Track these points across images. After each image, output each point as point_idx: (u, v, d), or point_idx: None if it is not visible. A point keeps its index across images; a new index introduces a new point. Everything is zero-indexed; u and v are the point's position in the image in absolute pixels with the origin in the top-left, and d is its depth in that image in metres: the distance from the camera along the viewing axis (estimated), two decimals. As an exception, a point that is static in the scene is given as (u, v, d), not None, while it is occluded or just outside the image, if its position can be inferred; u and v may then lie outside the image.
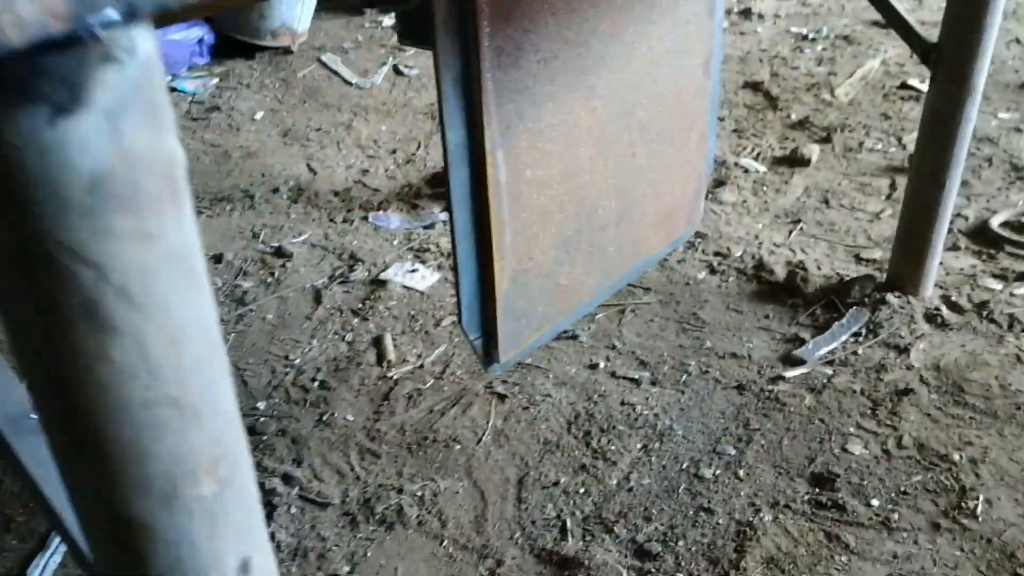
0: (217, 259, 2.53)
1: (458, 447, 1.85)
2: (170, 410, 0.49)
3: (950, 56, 1.86)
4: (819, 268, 2.37)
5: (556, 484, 1.75)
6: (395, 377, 2.06)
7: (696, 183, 1.63)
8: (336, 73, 3.69)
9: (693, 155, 1.58)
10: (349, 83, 3.62)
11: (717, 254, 2.47)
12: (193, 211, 0.47)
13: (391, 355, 2.12)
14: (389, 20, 4.20)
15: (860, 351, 2.05)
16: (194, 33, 3.67)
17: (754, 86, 3.49)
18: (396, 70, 3.73)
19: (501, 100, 1.15)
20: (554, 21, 1.18)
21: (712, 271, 2.41)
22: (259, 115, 3.40)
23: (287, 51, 3.84)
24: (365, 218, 2.73)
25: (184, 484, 0.52)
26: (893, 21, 1.92)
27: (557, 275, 1.36)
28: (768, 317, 2.21)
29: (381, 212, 2.75)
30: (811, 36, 3.93)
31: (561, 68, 1.22)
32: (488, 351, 1.33)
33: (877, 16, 4.11)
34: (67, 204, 0.41)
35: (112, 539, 0.53)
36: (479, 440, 1.86)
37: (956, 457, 1.75)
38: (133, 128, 0.41)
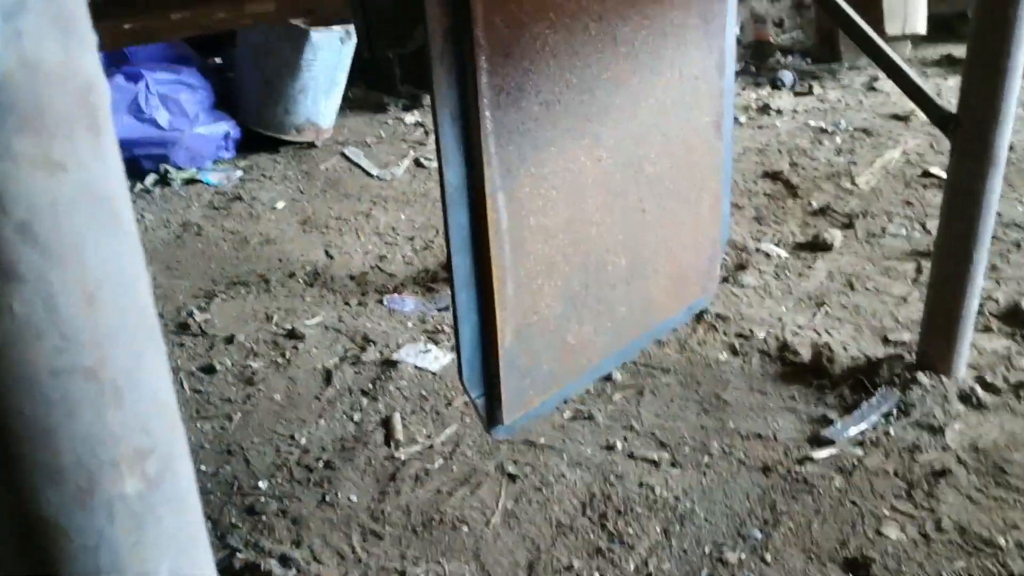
0: (229, 340, 2.49)
1: (466, 529, 1.75)
2: (85, 383, 0.43)
3: (969, 124, 1.83)
4: (845, 349, 2.28)
5: (569, 569, 1.64)
6: (403, 457, 1.97)
7: (711, 247, 1.58)
8: (358, 165, 3.74)
9: (706, 217, 1.53)
10: (370, 175, 3.66)
11: (739, 336, 2.39)
12: (117, 149, 0.42)
13: (400, 435, 2.04)
14: (411, 117, 4.28)
15: (892, 431, 1.94)
16: (220, 128, 3.75)
17: (773, 176, 3.48)
18: (417, 162, 3.77)
19: (501, 140, 1.11)
20: (556, 63, 1.16)
21: (734, 352, 2.32)
22: (280, 204, 3.42)
23: (311, 145, 3.91)
24: (380, 301, 2.69)
25: (103, 479, 0.45)
26: (910, 90, 1.90)
27: (564, 332, 1.30)
28: (794, 398, 2.12)
29: (396, 295, 2.72)
30: (829, 129, 3.94)
31: (564, 113, 1.19)
32: (491, 411, 1.26)
33: (895, 110, 4.13)
34: (-44, 115, 0.37)
35: (18, 541, 0.46)
36: (488, 522, 1.76)
37: (1001, 541, 1.62)
38: (37, 35, 0.37)
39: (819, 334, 2.39)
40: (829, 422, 2.00)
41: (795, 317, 2.48)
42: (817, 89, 4.49)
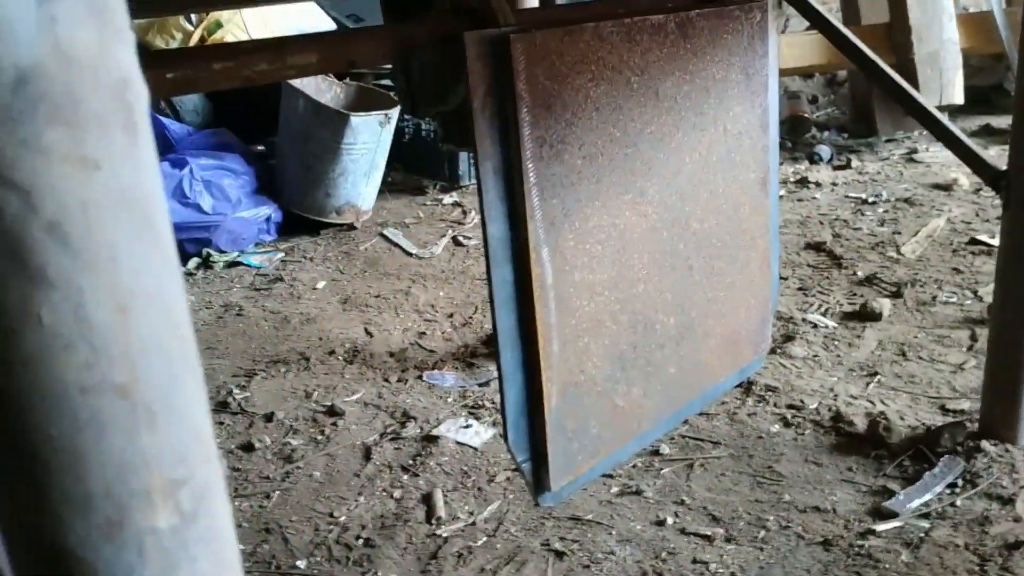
0: (268, 418, 2.46)
1: (511, 609, 1.67)
2: (117, 402, 0.40)
3: (1021, 180, 1.78)
4: (902, 419, 2.19)
5: (622, 651, 1.55)
6: (445, 535, 1.90)
7: (762, 308, 1.53)
8: (397, 245, 3.76)
9: (756, 276, 1.49)
10: (409, 254, 3.67)
11: (790, 407, 2.31)
12: (154, 152, 0.40)
13: (441, 512, 1.98)
14: (449, 198, 4.32)
15: (958, 503, 1.83)
16: (262, 212, 3.81)
17: (816, 247, 3.43)
18: (455, 241, 3.78)
19: (545, 194, 1.09)
20: (598, 117, 1.15)
21: (786, 424, 2.24)
22: (320, 284, 3.44)
23: (351, 227, 3.95)
24: (420, 377, 2.66)
25: (134, 510, 0.42)
26: (959, 150, 1.86)
27: (612, 394, 1.25)
28: (851, 469, 2.02)
29: (436, 371, 2.68)
30: (871, 200, 3.89)
31: (608, 166, 1.17)
32: (538, 477, 1.21)
33: (937, 179, 4.08)
34: (-11, 105, 0.35)
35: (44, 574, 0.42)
36: (535, 601, 1.68)
37: (1089, 619, 1.50)
38: (72, 22, 0.35)
39: (874, 404, 2.30)
40: (891, 494, 1.90)
41: (847, 387, 2.40)
42: (855, 162, 4.47)
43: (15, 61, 0.35)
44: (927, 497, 1.86)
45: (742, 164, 1.41)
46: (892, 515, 1.82)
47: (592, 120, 1.14)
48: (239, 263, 3.69)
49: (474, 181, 4.39)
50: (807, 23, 5.45)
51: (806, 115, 5.00)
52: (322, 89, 4.02)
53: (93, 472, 0.40)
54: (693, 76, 1.29)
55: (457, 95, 1.14)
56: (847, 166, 4.43)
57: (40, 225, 0.37)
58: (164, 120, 4.06)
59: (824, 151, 4.52)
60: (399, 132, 4.25)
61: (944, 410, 2.24)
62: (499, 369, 1.12)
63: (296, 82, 3.84)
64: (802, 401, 2.32)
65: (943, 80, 4.30)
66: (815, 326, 2.79)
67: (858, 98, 4.94)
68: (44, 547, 0.41)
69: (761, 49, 1.40)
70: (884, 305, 2.84)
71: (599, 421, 1.23)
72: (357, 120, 3.73)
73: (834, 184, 4.21)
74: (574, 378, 1.18)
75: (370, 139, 3.82)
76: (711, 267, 1.38)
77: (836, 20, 1.87)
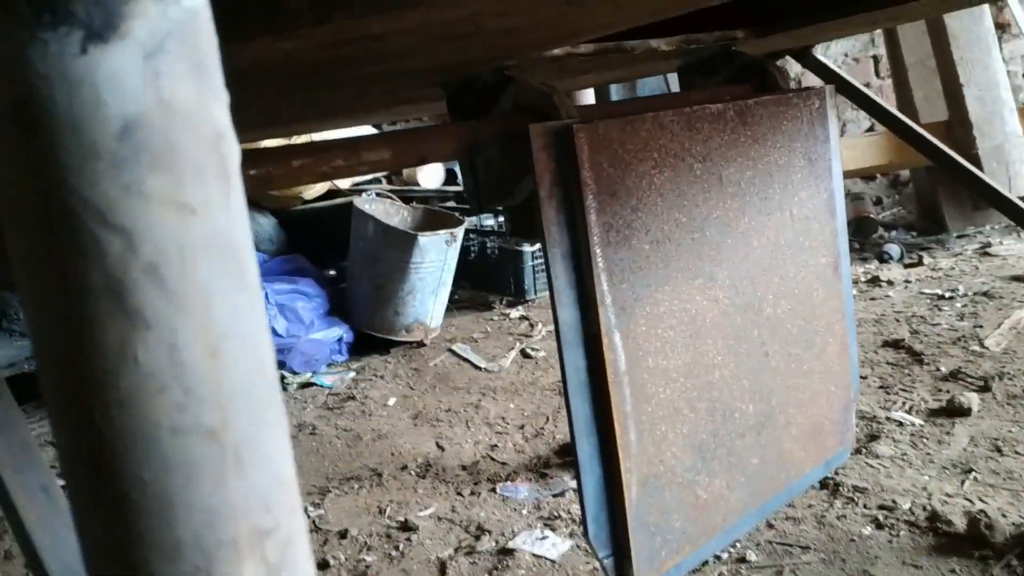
0: (342, 535, 2.44)
1: None
2: (206, 446, 0.40)
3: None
4: (1005, 516, 2.06)
5: None
6: (525, 651, 1.83)
7: (843, 395, 1.49)
8: (466, 360, 3.78)
9: (835, 363, 1.45)
10: (478, 367, 3.68)
11: (881, 507, 2.19)
12: (245, 202, 0.42)
13: (520, 626, 1.90)
14: (516, 312, 4.35)
15: (1080, 604, 1.70)
16: (334, 333, 3.88)
17: (894, 344, 3.33)
18: (524, 353, 3.78)
19: (614, 279, 1.10)
20: (663, 202, 1.16)
21: (879, 526, 2.12)
22: (391, 401, 3.45)
23: (420, 344, 3.99)
24: (493, 490, 2.62)
25: (220, 560, 0.41)
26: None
27: (694, 486, 1.21)
28: (954, 572, 1.89)
29: (509, 483, 2.64)
30: (947, 295, 3.80)
31: (676, 251, 1.17)
32: (621, 574, 1.16)
33: (1015, 271, 3.97)
34: (95, 151, 0.37)
35: (130, 633, 0.42)
36: None
37: None
38: (174, 77, 0.38)
39: (971, 502, 2.17)
40: (1002, 597, 1.77)
41: (941, 485, 2.27)
42: (927, 259, 4.39)
43: (121, 111, 0.37)
44: (1043, 599, 1.73)
45: (811, 248, 1.40)
46: (1006, 619, 1.69)
47: (657, 206, 1.15)
48: (312, 384, 3.74)
49: (540, 295, 4.43)
50: (864, 127, 5.45)
51: (872, 215, 4.97)
52: (390, 213, 4.16)
53: (182, 518, 0.40)
54: (756, 162, 1.30)
55: (522, 189, 1.17)
56: (919, 263, 4.35)
57: (139, 267, 0.38)
58: (240, 249, 4.22)
59: (893, 249, 4.46)
60: (465, 250, 4.34)
61: (1050, 506, 2.11)
62: (575, 460, 1.09)
63: (365, 207, 3.98)
64: (894, 501, 2.21)
65: (1010, 172, 4.25)
66: (900, 424, 2.68)
67: (923, 196, 4.90)
68: (133, 599, 0.40)
69: (822, 134, 1.41)
70: (972, 400, 2.72)
71: (682, 515, 1.19)
72: (424, 239, 3.82)
73: (907, 281, 4.12)
74: (654, 469, 1.15)
75: (437, 257, 3.91)
76: (788, 352, 1.35)
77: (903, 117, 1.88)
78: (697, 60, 1.51)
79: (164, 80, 0.38)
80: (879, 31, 5.24)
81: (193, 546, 0.40)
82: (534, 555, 2.21)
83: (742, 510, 1.28)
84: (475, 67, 1.18)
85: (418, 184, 5.21)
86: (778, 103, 1.33)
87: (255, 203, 4.58)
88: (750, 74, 1.49)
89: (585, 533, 1.11)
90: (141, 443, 0.39)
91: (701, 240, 1.21)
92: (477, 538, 2.33)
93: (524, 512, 2.45)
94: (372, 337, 3.96)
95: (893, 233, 4.94)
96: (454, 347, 3.93)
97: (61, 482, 0.76)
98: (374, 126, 4.22)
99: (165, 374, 0.39)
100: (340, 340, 3.92)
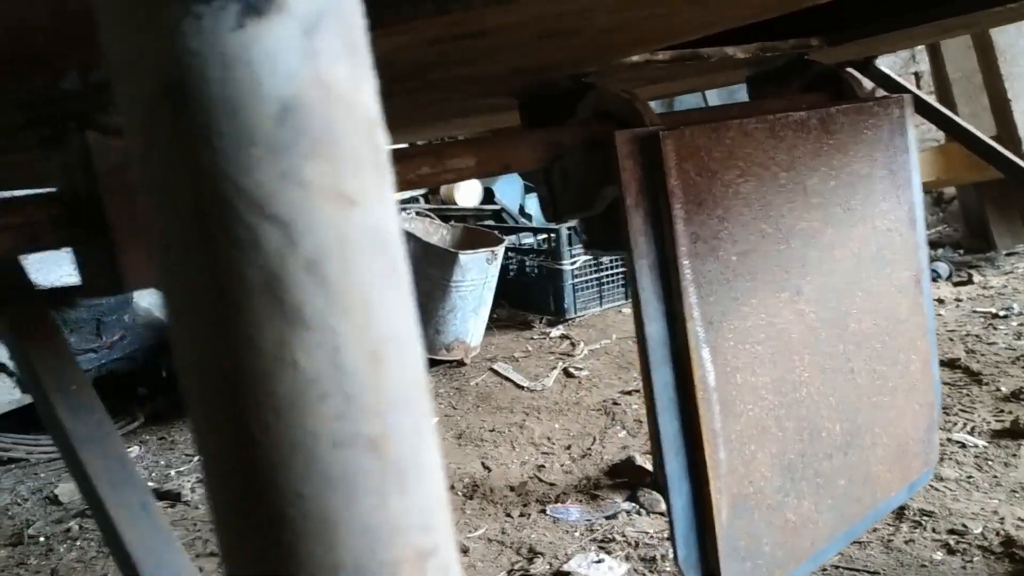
0: (390, 557, 2.39)
1: None
2: (368, 459, 0.36)
3: None
4: (1085, 542, 1.98)
5: None
6: None
7: (927, 415, 1.43)
8: (508, 379, 3.73)
9: (919, 381, 1.40)
10: (521, 387, 3.64)
11: (951, 532, 2.12)
12: (395, 201, 0.38)
13: (580, 653, 1.85)
14: (556, 331, 4.31)
15: None
16: (374, 352, 3.86)
17: (950, 364, 3.25)
18: (566, 372, 3.73)
19: (701, 291, 1.05)
20: (749, 212, 1.11)
21: (950, 551, 2.05)
22: (434, 420, 3.41)
23: (460, 363, 3.96)
24: (543, 511, 2.56)
25: (380, 587, 0.38)
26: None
27: (783, 508, 1.16)
28: (1036, 600, 1.82)
29: (559, 504, 2.58)
30: (1002, 314, 3.70)
31: (762, 263, 1.13)
32: (709, 601, 1.11)
33: (1072, 289, 3.87)
34: (252, 135, 0.33)
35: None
36: None
37: None
38: (331, 56, 0.34)
39: (1047, 527, 2.09)
40: (1089, 627, 1.68)
41: (1013, 509, 2.19)
42: (977, 277, 4.29)
43: (279, 92, 0.34)
44: None
45: (894, 262, 1.34)
46: (1096, 651, 1.60)
47: (743, 215, 1.11)
48: (352, 403, 3.71)
49: (580, 313, 4.38)
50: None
51: (917, 233, 4.87)
52: (430, 231, 4.14)
53: (343, 539, 0.36)
54: (838, 172, 1.25)
55: (602, 199, 1.13)
56: (968, 282, 4.26)
57: (299, 262, 0.34)
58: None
59: (942, 268, 4.37)
60: (504, 269, 4.31)
61: None
62: (664, 480, 1.04)
63: (406, 225, 3.96)
64: (964, 526, 2.13)
65: (1063, 188, 4.15)
66: (963, 445, 2.59)
67: (971, 213, 4.80)
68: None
69: (902, 144, 1.36)
70: (1038, 421, 2.63)
71: (771, 538, 1.13)
72: (465, 258, 3.80)
73: (958, 300, 4.03)
74: (743, 489, 1.10)
75: (478, 276, 3.88)
76: (873, 370, 1.29)
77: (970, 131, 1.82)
78: (769, 69, 1.47)
79: (322, 59, 0.35)
80: (920, 47, 5.18)
81: (354, 570, 0.36)
82: (590, 579, 2.15)
83: (830, 534, 1.23)
84: (554, 73, 1.15)
85: (455, 203, 5.19)
86: (859, 111, 1.29)
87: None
88: (825, 83, 1.45)
89: (675, 557, 1.06)
90: (300, 455, 0.35)
91: (787, 252, 1.17)
92: (530, 560, 2.27)
93: (576, 534, 2.40)
94: (413, 356, 3.93)
95: (940, 251, 4.85)
96: (495, 366, 3.89)
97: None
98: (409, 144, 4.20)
99: (326, 380, 0.35)
100: (381, 359, 3.89)
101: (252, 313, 0.35)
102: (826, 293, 1.22)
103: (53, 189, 0.72)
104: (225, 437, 0.36)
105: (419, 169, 0.87)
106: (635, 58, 1.13)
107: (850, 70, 1.41)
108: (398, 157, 0.87)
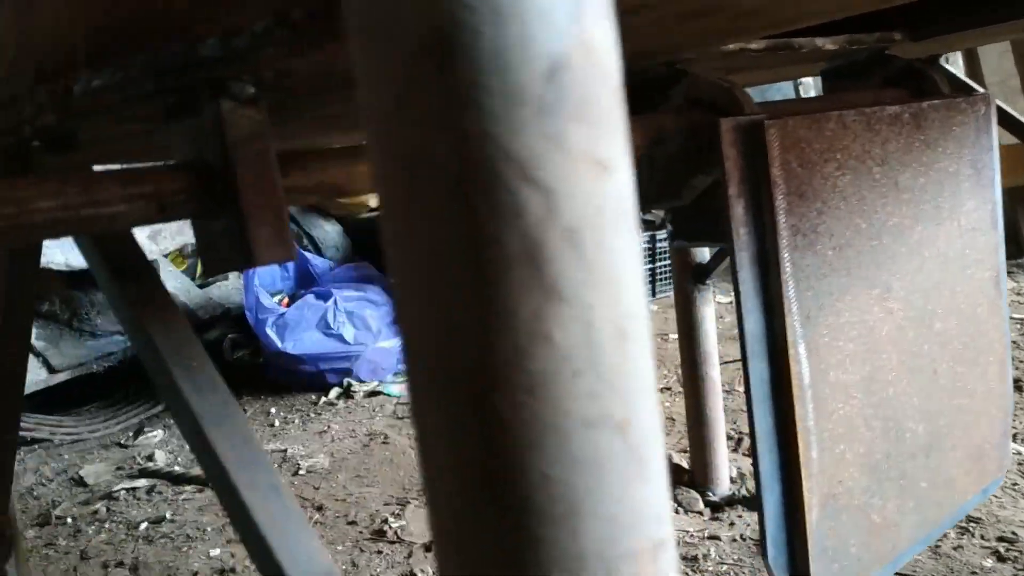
0: (427, 547, 2.38)
1: None
2: (615, 442, 0.34)
3: None
4: None
5: None
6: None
7: (1003, 420, 1.40)
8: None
9: (995, 384, 1.37)
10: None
11: (1001, 539, 2.09)
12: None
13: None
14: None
15: None
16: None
17: (987, 369, 3.21)
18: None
19: (799, 285, 1.03)
20: (846, 206, 1.09)
21: (1000, 558, 2.02)
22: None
23: (488, 356, 3.94)
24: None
25: (620, 578, 0.35)
26: None
27: (868, 509, 1.14)
28: (1092, 611, 1.79)
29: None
30: (1038, 321, 3.66)
31: (856, 258, 1.10)
32: (794, 602, 1.08)
33: (1109, 298, 3.82)
34: (521, 95, 0.31)
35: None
36: None
37: None
38: (594, 15, 0.32)
39: (1099, 537, 2.06)
40: None
41: (1062, 518, 2.16)
42: (1010, 283, 4.25)
43: (548, 50, 0.32)
44: None
45: (977, 261, 1.32)
46: None
47: (840, 209, 1.09)
48: (379, 392, 3.70)
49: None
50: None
51: (948, 237, 4.83)
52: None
53: (587, 525, 0.34)
54: (928, 168, 1.22)
55: (692, 188, 1.11)
56: (1001, 287, 4.22)
57: (559, 231, 0.32)
58: (307, 255, 4.21)
59: (974, 272, 4.32)
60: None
61: None
62: (757, 476, 1.02)
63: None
64: (1014, 533, 2.10)
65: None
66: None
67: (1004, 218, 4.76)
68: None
69: (987, 143, 1.33)
70: (1082, 429, 2.60)
71: (857, 540, 1.11)
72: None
73: (991, 306, 3.99)
74: (833, 489, 1.07)
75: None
76: (954, 371, 1.27)
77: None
78: (849, 63, 1.44)
79: (587, 18, 0.32)
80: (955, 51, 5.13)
81: (597, 560, 0.34)
82: None
83: (912, 537, 1.20)
84: (645, 60, 1.13)
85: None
86: (948, 108, 1.26)
87: (321, 209, 4.57)
88: (907, 78, 1.42)
89: (764, 556, 1.04)
90: (550, 435, 0.33)
91: (879, 248, 1.14)
92: None
93: (614, 531, 2.38)
94: (441, 348, 3.91)
95: (970, 256, 4.81)
96: (524, 360, 3.86)
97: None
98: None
99: (580, 356, 0.33)
100: (408, 350, 3.87)
101: (510, 285, 0.32)
102: (913, 291, 1.20)
103: (171, 161, 0.70)
104: (467, 421, 0.34)
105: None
106: (731, 47, 1.10)
107: (939, 65, 1.38)
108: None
